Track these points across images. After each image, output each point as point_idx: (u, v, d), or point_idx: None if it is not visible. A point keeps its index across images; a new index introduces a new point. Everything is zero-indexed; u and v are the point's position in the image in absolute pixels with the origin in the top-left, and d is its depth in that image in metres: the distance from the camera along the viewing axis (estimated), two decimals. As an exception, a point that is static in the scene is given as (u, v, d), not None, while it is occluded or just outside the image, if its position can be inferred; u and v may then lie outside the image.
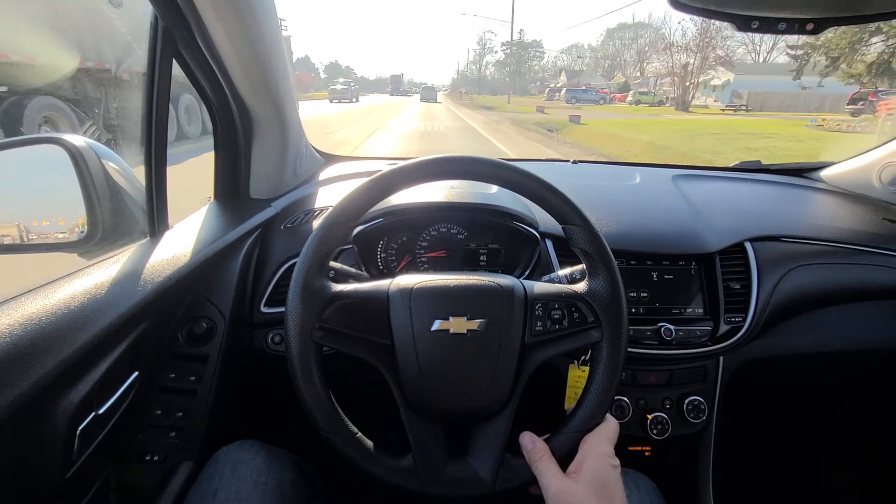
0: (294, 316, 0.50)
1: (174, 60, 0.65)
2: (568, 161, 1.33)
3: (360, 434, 0.51)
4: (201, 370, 0.70)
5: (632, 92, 33.06)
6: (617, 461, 0.50)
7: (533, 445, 0.51)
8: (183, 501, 0.56)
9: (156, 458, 0.65)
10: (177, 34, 0.63)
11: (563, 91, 34.46)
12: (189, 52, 0.67)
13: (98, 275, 0.57)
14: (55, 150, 0.72)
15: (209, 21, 0.62)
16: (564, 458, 0.50)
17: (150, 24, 0.60)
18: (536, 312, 0.55)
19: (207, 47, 0.66)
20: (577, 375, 0.71)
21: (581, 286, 0.56)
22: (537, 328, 0.54)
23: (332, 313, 0.52)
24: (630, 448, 0.87)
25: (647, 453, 0.88)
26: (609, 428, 0.52)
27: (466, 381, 0.52)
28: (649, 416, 0.82)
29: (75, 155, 0.72)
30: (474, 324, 0.52)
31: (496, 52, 73.46)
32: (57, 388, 0.46)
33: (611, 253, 0.55)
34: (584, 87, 36.65)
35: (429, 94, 31.57)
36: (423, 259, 0.92)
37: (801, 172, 1.32)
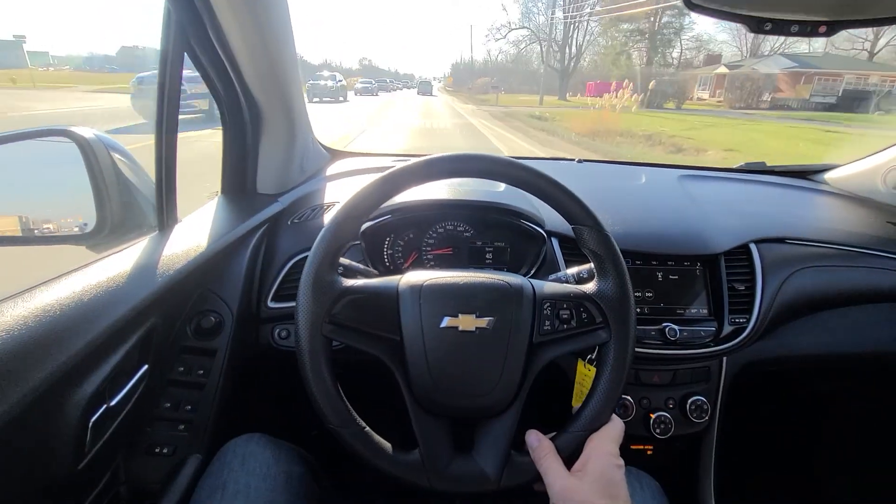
0: (305, 310, 0.51)
1: (185, 55, 0.65)
2: (573, 160, 1.33)
3: (367, 429, 0.52)
4: (209, 364, 0.70)
5: None
6: (621, 461, 0.50)
7: (539, 443, 0.52)
8: (191, 494, 0.57)
9: (165, 450, 0.65)
10: (189, 28, 0.63)
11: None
12: (201, 47, 0.67)
13: (109, 268, 0.57)
14: (65, 142, 0.72)
15: (223, 15, 0.62)
16: (570, 457, 0.51)
17: (163, 17, 0.60)
18: (545, 312, 0.55)
19: (219, 41, 0.66)
20: (584, 374, 0.72)
21: (590, 287, 0.56)
22: (545, 327, 0.54)
23: (342, 308, 0.52)
24: (633, 447, 0.88)
25: (649, 452, 0.88)
26: (615, 428, 0.53)
27: (474, 378, 0.52)
28: (652, 416, 0.83)
29: (84, 147, 0.72)
30: (483, 322, 0.52)
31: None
32: (70, 380, 0.47)
33: (620, 254, 0.55)
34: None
35: (425, 88, 36.01)
36: (429, 256, 0.92)
37: (806, 174, 1.32)
